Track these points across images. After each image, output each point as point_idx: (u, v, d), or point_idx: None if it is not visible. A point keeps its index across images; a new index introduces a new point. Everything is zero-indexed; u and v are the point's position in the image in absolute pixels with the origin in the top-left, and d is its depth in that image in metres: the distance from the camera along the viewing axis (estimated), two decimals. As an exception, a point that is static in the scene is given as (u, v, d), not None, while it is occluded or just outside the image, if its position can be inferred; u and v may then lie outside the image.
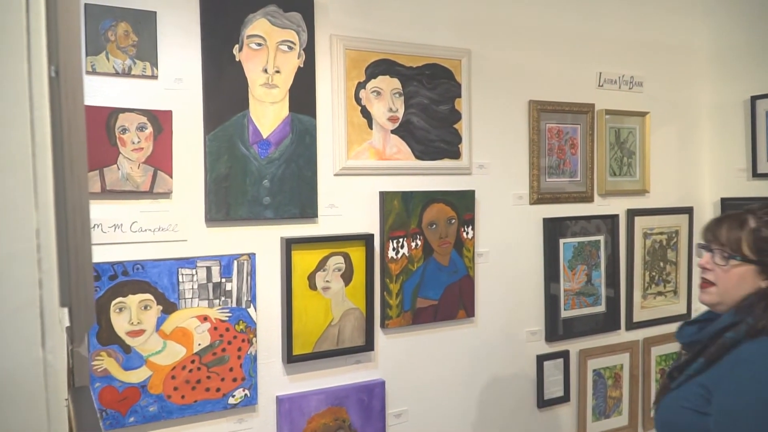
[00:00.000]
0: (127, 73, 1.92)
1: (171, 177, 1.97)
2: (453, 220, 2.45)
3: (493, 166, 2.58)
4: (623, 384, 2.97)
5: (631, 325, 2.97)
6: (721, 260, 1.41)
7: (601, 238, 2.85)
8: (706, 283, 1.46)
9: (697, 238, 2.79)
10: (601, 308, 2.87)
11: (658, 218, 3.02)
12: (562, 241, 2.73)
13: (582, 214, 2.78)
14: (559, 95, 2.73)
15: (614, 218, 2.88)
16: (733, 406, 1.27)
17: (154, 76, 1.96)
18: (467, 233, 2.48)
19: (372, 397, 2.31)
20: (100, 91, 1.89)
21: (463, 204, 2.47)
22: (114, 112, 1.89)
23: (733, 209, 1.53)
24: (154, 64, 1.96)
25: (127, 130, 1.91)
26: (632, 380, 2.99)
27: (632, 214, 2.93)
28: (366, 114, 2.29)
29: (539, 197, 2.67)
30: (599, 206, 2.86)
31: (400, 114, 2.35)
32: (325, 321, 2.23)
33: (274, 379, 2.17)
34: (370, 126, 2.30)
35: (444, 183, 2.46)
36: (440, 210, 2.42)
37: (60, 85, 0.68)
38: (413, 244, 2.37)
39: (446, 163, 2.45)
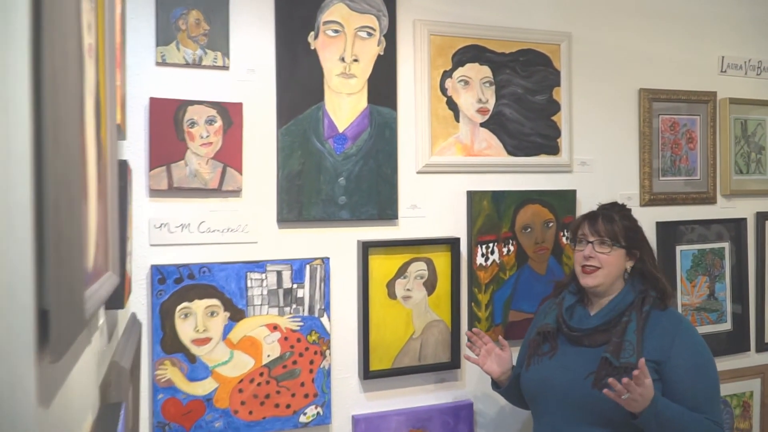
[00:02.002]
0: (197, 64, 1.81)
1: (241, 174, 1.84)
2: (551, 224, 2.17)
3: (597, 163, 2.28)
4: (753, 414, 2.55)
5: (763, 346, 2.55)
6: (605, 248, 1.70)
7: (725, 245, 2.46)
8: (591, 269, 1.70)
9: None
10: (727, 326, 2.47)
11: (795, 224, 2.58)
12: (678, 248, 2.37)
13: (704, 218, 2.41)
14: (674, 83, 2.39)
15: (741, 222, 2.49)
16: (698, 361, 1.62)
17: (225, 67, 1.83)
18: (567, 238, 2.20)
19: (458, 420, 2.07)
20: (169, 82, 1.78)
21: (562, 205, 2.18)
22: (182, 105, 1.77)
23: None
24: (226, 53, 1.83)
25: (195, 123, 1.79)
26: (764, 410, 2.57)
27: (763, 217, 2.53)
28: (452, 106, 2.07)
29: (651, 198, 2.33)
30: (723, 208, 2.48)
31: (491, 105, 2.11)
32: (406, 334, 2.02)
33: (350, 397, 1.98)
34: (457, 119, 2.07)
35: (540, 182, 2.19)
36: (536, 212, 2.15)
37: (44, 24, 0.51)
38: (505, 250, 2.11)
39: (543, 159, 2.18)
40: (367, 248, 1.94)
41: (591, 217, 1.75)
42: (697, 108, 2.41)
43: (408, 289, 2.01)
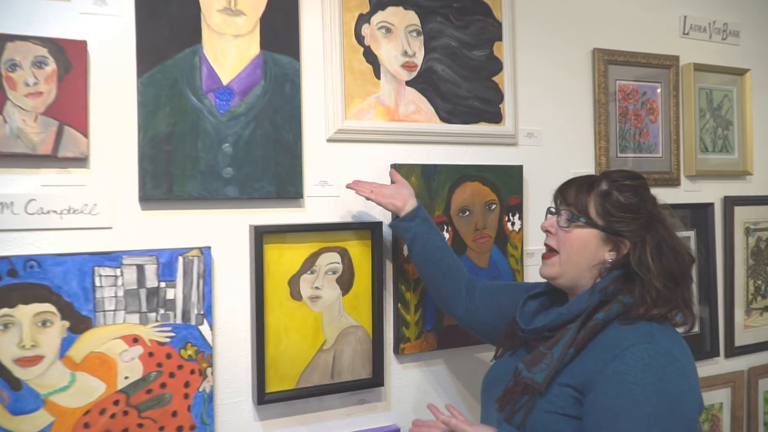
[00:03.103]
0: (22, -13, 1.34)
1: (86, 136, 1.37)
2: (493, 206, 1.79)
3: (547, 134, 1.92)
4: (722, 429, 2.23)
5: (732, 351, 2.24)
6: (565, 222, 1.27)
7: (690, 234, 2.14)
8: (548, 253, 1.31)
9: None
10: (694, 329, 2.14)
11: (765, 209, 2.29)
12: (641, 236, 2.03)
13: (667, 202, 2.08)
14: (632, 43, 2.06)
15: (707, 208, 2.18)
16: (618, 406, 1.08)
17: (63, -6, 1.37)
18: (513, 224, 1.82)
19: (382, 451, 1.65)
20: (-20, 10, 1.31)
21: (506, 184, 1.81)
22: (-2, 39, 1.30)
23: None
24: (64, -25, 1.37)
25: (18, 66, 1.32)
26: (734, 423, 2.25)
27: (730, 202, 2.22)
28: (371, 58, 1.66)
29: (609, 177, 1.98)
30: (687, 192, 2.16)
31: (419, 60, 1.71)
32: (315, 344, 1.59)
33: (241, 428, 1.53)
34: (377, 74, 1.66)
35: (480, 155, 1.81)
36: (476, 191, 1.76)
37: None
38: (438, 238, 1.71)
39: (483, 128, 1.80)
40: (261, 235, 1.51)
41: (572, 179, 1.33)
42: (658, 74, 2.09)
43: (317, 288, 1.59)
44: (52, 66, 1.34)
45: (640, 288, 1.18)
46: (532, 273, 1.85)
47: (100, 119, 1.40)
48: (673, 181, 2.11)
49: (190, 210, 1.48)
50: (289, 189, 1.55)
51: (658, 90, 2.09)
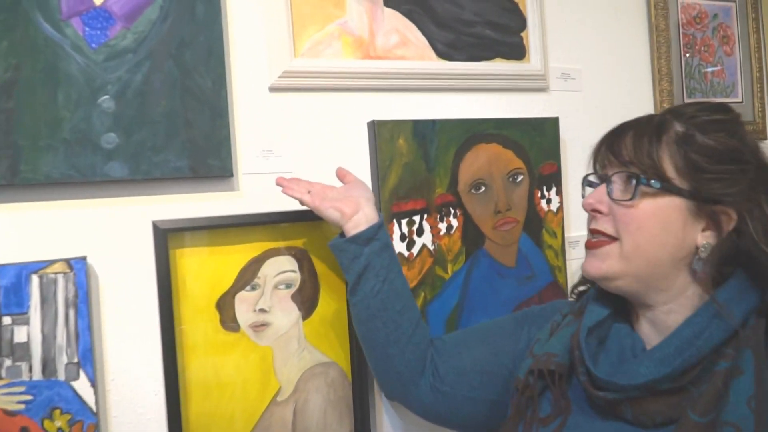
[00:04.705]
0: None
1: None
2: (520, 177, 1.25)
3: (589, 74, 1.37)
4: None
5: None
6: (624, 191, 0.77)
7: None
8: (597, 240, 0.79)
9: None
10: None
11: None
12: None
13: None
14: (696, -51, 1.50)
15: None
16: None
17: None
18: (548, 201, 1.28)
19: None
20: None
21: (537, 145, 1.26)
22: None
23: None
24: None
25: None
26: None
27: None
28: (331, -33, 1.12)
29: (676, 132, 1.43)
30: (778, 150, 1.60)
31: (402, -32, 1.17)
32: (264, 394, 1.05)
33: None
34: (341, -10, 1.13)
35: (498, 105, 1.27)
36: (494, 157, 1.22)
37: None
38: (443, 227, 1.18)
39: (499, 66, 1.26)
40: (165, 236, 0.97)
41: (616, 130, 0.81)
42: (732, -9, 1.53)
43: (262, 310, 1.05)
44: None
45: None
46: (579, 270, 1.31)
47: None
48: (758, 134, 1.56)
49: (49, 201, 0.94)
50: (211, 163, 1.01)
51: (733, 11, 1.53)
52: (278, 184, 1.00)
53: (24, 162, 0.91)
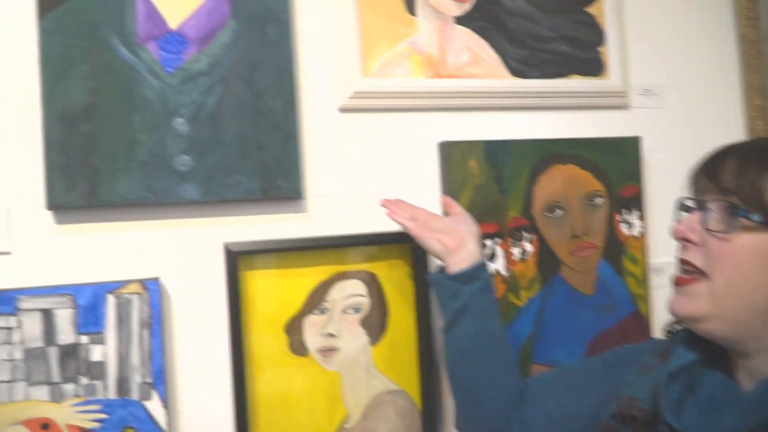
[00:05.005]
0: None
1: (-43, 113, 0.89)
2: (599, 200, 1.19)
3: (673, 90, 1.29)
4: None
5: None
6: (720, 222, 0.68)
7: None
8: (687, 276, 0.70)
9: None
10: None
11: None
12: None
13: None
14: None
15: None
16: None
17: None
18: (630, 226, 1.21)
19: None
20: None
21: (617, 167, 1.20)
22: None
23: None
24: None
25: None
26: None
27: None
28: (402, -14, 1.11)
29: (771, 151, 1.33)
30: None
31: (475, -14, 1.15)
32: (331, 420, 1.03)
33: None
34: (411, 8, 1.11)
35: (575, 124, 1.21)
36: (570, 179, 1.17)
37: None
38: (516, 252, 1.13)
39: (576, 83, 1.20)
40: (236, 258, 0.97)
41: (718, 154, 0.73)
42: (832, -1, 1.42)
43: (330, 335, 1.03)
44: None
45: None
46: (664, 299, 1.23)
47: (-22, 87, 0.92)
48: None
49: (124, 222, 0.96)
50: (282, 185, 1.01)
51: (834, 21, 1.42)
52: (382, 205, 0.98)
53: (102, 184, 0.93)
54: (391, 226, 1.01)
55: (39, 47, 0.92)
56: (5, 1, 0.93)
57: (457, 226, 0.96)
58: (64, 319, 0.91)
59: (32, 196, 0.93)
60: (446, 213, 1.01)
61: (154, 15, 0.96)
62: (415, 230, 0.94)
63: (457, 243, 0.92)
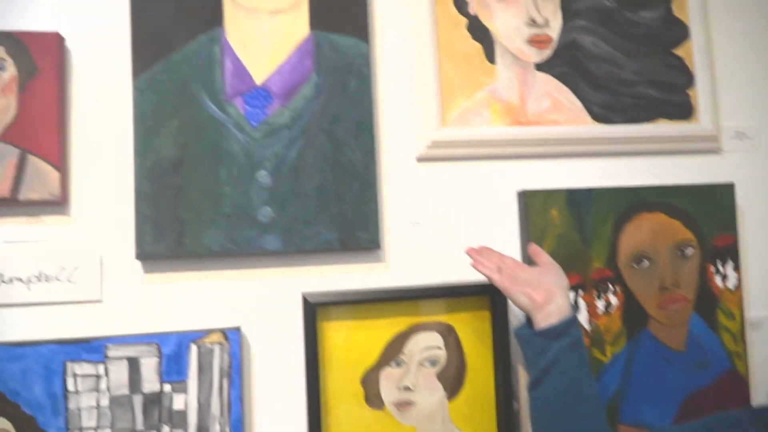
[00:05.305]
0: (-21, -32, 0.96)
1: (58, 169, 0.94)
2: (690, 250, 1.12)
3: (767, 133, 1.22)
4: None
5: None
6: None
7: None
8: None
9: None
10: None
11: None
12: None
13: None
14: None
15: None
16: None
17: (35, -27, 0.98)
18: (724, 278, 1.13)
19: None
20: None
21: (709, 214, 1.13)
22: (-64, 38, 0.92)
23: None
24: (36, -52, 0.98)
25: (-37, 73, 0.93)
26: None
27: None
28: (481, 33, 1.10)
29: None
30: None
31: (554, 30, 1.12)
32: (407, 478, 1.01)
33: None
34: (491, 56, 1.10)
35: (663, 171, 1.16)
36: (658, 228, 1.11)
37: None
38: (600, 305, 1.08)
39: (664, 127, 1.15)
40: (314, 310, 0.97)
41: None
42: None
43: (407, 388, 1.01)
44: (10, 71, 0.93)
45: None
46: (763, 356, 1.14)
47: (79, 143, 0.97)
48: None
49: (207, 272, 0.98)
50: (360, 236, 1.01)
51: None
52: (467, 254, 0.96)
53: (188, 235, 0.96)
54: (470, 276, 0.99)
55: (133, 105, 0.96)
56: (104, 64, 0.98)
57: (546, 278, 0.92)
58: (150, 367, 0.94)
59: (123, 246, 0.96)
60: (535, 261, 0.98)
61: (241, 72, 0.99)
62: (502, 283, 0.92)
63: (545, 297, 0.89)
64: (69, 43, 0.97)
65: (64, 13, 0.98)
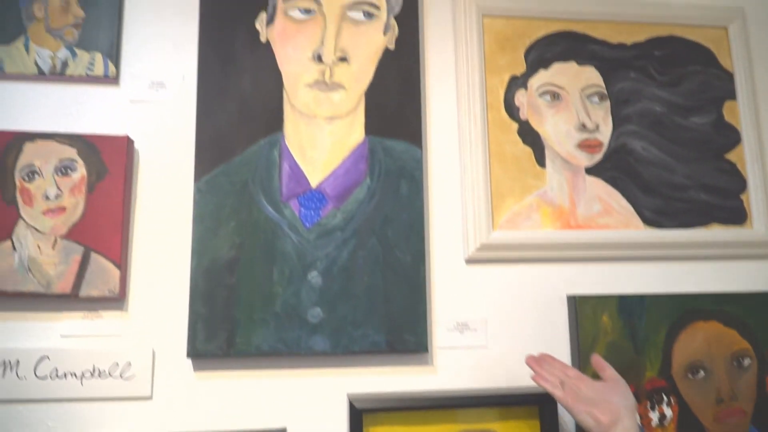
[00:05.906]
0: (58, 73, 1.03)
1: (118, 267, 0.97)
2: (747, 360, 1.09)
3: (827, 239, 1.19)
4: None
5: None
6: None
7: None
8: None
9: None
10: None
11: None
12: None
13: None
14: None
15: None
16: None
17: (109, 78, 1.04)
18: (784, 392, 1.09)
19: None
20: (5, 103, 1.01)
21: (765, 323, 1.10)
22: (15, 141, 0.97)
23: None
24: (111, 56, 1.04)
25: (37, 173, 0.97)
26: None
27: None
28: (531, 138, 1.12)
29: None
30: None
31: (605, 135, 1.14)
32: None
33: None
34: (541, 161, 1.11)
35: (717, 277, 1.14)
36: (714, 337, 1.08)
37: None
38: (654, 417, 1.05)
39: (717, 232, 1.14)
40: (360, 415, 0.96)
41: None
42: None
43: (453, 498, 0.99)
44: (80, 171, 0.98)
45: None
46: (829, 478, 1.08)
47: (140, 242, 1.00)
48: None
49: (256, 371, 0.99)
50: (408, 339, 1.01)
51: None
52: (527, 364, 0.94)
53: (239, 335, 0.97)
54: (518, 381, 0.97)
55: (193, 206, 1.00)
56: (169, 165, 1.02)
57: (611, 396, 0.89)
58: (196, 469, 0.93)
59: (175, 343, 0.98)
60: (599, 374, 0.95)
61: (298, 175, 1.03)
62: (564, 399, 0.89)
63: (611, 419, 0.86)
64: (137, 145, 1.02)
65: (133, 118, 1.03)
